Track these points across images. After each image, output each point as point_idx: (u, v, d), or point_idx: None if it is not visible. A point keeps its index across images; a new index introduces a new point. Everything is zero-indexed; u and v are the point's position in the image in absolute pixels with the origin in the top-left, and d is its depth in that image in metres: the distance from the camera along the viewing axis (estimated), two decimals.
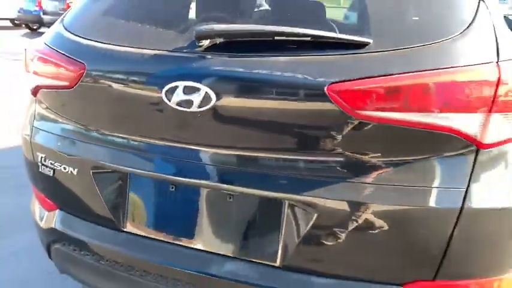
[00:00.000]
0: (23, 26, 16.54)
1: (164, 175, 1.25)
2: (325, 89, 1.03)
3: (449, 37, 1.07)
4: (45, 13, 14.09)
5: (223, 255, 1.23)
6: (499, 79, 1.01)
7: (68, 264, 1.54)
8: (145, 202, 1.32)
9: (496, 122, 1.03)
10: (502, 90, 1.01)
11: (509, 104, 1.03)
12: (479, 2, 1.15)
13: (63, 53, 1.34)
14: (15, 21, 16.86)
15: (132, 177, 1.30)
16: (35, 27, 15.62)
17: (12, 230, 2.46)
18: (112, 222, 1.35)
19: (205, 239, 1.25)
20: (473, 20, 1.10)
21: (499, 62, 1.04)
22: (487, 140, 1.03)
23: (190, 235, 1.27)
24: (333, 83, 1.03)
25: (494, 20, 1.15)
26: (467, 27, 1.09)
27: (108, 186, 1.34)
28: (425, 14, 1.13)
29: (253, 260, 1.20)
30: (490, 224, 1.07)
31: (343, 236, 1.11)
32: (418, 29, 1.10)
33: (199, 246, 1.25)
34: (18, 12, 15.84)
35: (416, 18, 1.12)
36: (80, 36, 1.36)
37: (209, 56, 1.14)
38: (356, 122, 1.04)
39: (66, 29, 1.43)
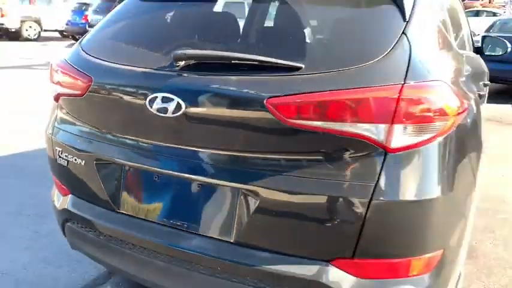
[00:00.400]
0: (70, 37, 17.64)
1: (149, 167, 1.58)
2: (265, 101, 1.33)
3: (367, 63, 1.34)
4: (90, 26, 14.97)
5: (191, 232, 1.53)
6: (398, 98, 1.28)
7: (77, 240, 1.89)
8: (135, 188, 1.65)
9: (399, 132, 1.29)
10: (402, 107, 1.28)
11: (409, 118, 1.29)
12: (400, 36, 1.42)
13: (77, 68, 1.70)
14: (64, 33, 18.02)
15: (125, 168, 1.64)
16: None
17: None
18: (109, 204, 1.69)
19: (177, 219, 1.56)
20: (390, 50, 1.37)
21: (404, 84, 1.30)
22: (393, 145, 1.30)
23: (168, 216, 1.58)
24: (270, 97, 1.33)
25: (416, 50, 1.40)
26: (383, 56, 1.36)
27: (107, 175, 1.68)
28: (348, 45, 1.42)
29: (214, 237, 1.50)
30: (396, 213, 1.32)
31: (279, 218, 1.39)
32: (342, 57, 1.38)
33: (173, 224, 1.56)
34: (66, 24, 16.97)
35: (341, 49, 1.41)
36: (90, 55, 1.72)
37: (182, 74, 1.47)
38: (288, 128, 1.33)
39: (82, 49, 1.80)
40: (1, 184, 3.58)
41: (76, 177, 1.78)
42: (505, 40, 3.42)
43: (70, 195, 1.85)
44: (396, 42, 1.40)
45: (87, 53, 1.75)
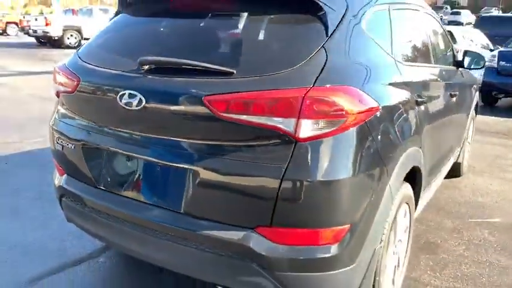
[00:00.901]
0: None
1: (120, 150, 1.96)
2: (203, 98, 1.69)
3: (286, 70, 1.67)
4: None
5: (151, 204, 1.90)
6: (304, 98, 1.60)
7: (70, 213, 2.29)
8: (110, 168, 2.03)
9: (305, 125, 1.61)
10: (307, 105, 1.60)
11: (313, 114, 1.61)
12: (319, 49, 1.74)
13: (71, 70, 2.11)
14: None
15: (103, 151, 2.02)
16: None
17: None
18: (92, 181, 2.08)
19: (140, 193, 1.93)
20: (307, 60, 1.70)
21: (311, 87, 1.63)
22: (301, 135, 1.62)
23: (133, 191, 1.95)
24: (207, 95, 1.68)
25: (332, 60, 1.73)
26: (301, 65, 1.68)
27: (90, 158, 2.07)
28: (273, 56, 1.76)
29: (168, 208, 1.86)
30: (303, 190, 1.63)
31: (215, 193, 1.74)
32: (266, 65, 1.71)
33: (137, 198, 1.93)
34: None
35: (266, 58, 1.75)
36: (83, 60, 2.13)
37: (145, 76, 1.85)
38: (220, 120, 1.68)
39: (78, 55, 2.21)
40: (28, 174, 4.07)
41: (68, 159, 2.19)
42: (482, 55, 3.66)
43: (65, 175, 2.26)
44: (314, 54, 1.73)
45: (81, 59, 2.16)
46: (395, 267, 2.33)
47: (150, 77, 1.84)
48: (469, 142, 4.66)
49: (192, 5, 2.09)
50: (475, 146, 5.69)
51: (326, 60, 1.72)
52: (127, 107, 1.84)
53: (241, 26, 1.87)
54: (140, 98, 1.81)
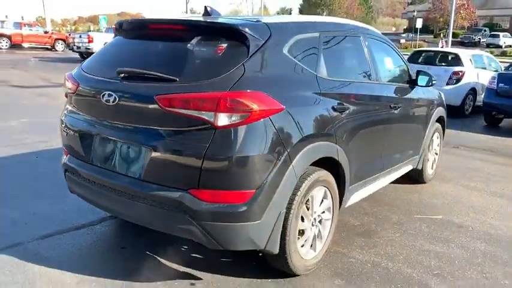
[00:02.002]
0: None
1: (102, 134, 2.73)
2: (154, 97, 2.44)
3: (214, 79, 2.40)
4: None
5: (121, 173, 2.65)
6: (220, 98, 2.32)
7: (71, 184, 3.07)
8: (97, 148, 2.80)
9: (221, 117, 2.33)
10: (222, 103, 2.32)
11: (226, 109, 2.32)
12: (240, 65, 2.46)
13: (74, 77, 2.92)
14: None
15: (92, 136, 2.80)
16: None
17: None
18: (85, 158, 2.86)
19: (115, 165, 2.68)
20: (229, 73, 2.42)
21: (227, 91, 2.35)
22: (219, 124, 2.33)
23: (110, 164, 2.71)
24: (157, 95, 2.43)
25: (247, 73, 2.44)
26: (224, 76, 2.40)
27: (84, 141, 2.86)
28: (206, 69, 2.49)
29: (132, 176, 2.61)
30: (219, 163, 2.34)
31: (162, 164, 2.47)
32: (200, 75, 2.44)
33: (113, 169, 2.69)
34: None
35: (201, 70, 2.49)
36: (83, 70, 2.94)
37: (121, 81, 2.62)
38: (166, 113, 2.42)
39: (81, 67, 3.02)
40: (52, 165, 4.93)
41: (70, 143, 2.98)
42: (430, 73, 4.28)
43: (68, 155, 3.06)
44: (234, 69, 2.45)
45: (82, 70, 2.97)
46: (315, 236, 2.96)
47: (123, 82, 2.62)
48: (436, 153, 5.20)
49: (155, 33, 2.88)
50: (457, 159, 6.20)
51: (243, 73, 2.44)
52: (106, 103, 2.62)
53: (186, 47, 2.62)
54: (115, 97, 2.58)
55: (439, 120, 5.03)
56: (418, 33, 42.03)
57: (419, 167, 4.74)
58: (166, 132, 2.46)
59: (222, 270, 2.93)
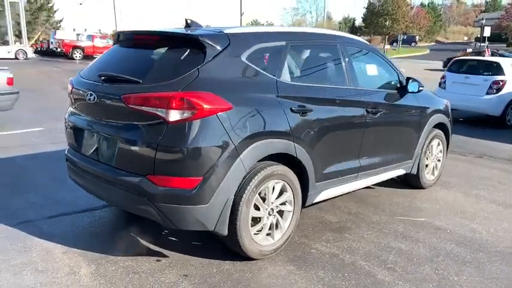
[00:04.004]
0: None
1: (89, 128, 3.23)
2: (121, 96, 2.90)
3: (170, 81, 2.81)
4: None
5: (100, 161, 3.13)
6: (171, 96, 2.73)
7: (70, 171, 3.61)
8: (86, 140, 3.31)
9: (172, 113, 2.73)
10: (173, 101, 2.73)
11: (177, 106, 2.72)
12: (195, 69, 2.86)
13: (72, 82, 3.47)
14: None
15: (83, 130, 3.32)
16: None
17: None
18: (78, 149, 3.38)
19: (97, 154, 3.17)
20: (184, 75, 2.82)
21: (178, 91, 2.75)
22: (170, 119, 2.74)
23: (94, 153, 3.20)
24: (123, 94, 2.89)
25: (201, 76, 2.83)
26: (180, 78, 2.81)
27: (77, 134, 3.38)
28: (165, 72, 2.90)
29: (107, 163, 3.08)
30: (169, 153, 2.75)
31: (126, 153, 2.92)
32: (159, 77, 2.87)
33: (95, 157, 3.18)
34: None
35: (161, 74, 2.91)
36: (79, 75, 3.48)
37: (102, 83, 3.11)
38: (130, 109, 2.86)
39: (79, 73, 3.57)
40: None
41: (69, 136, 3.53)
42: (419, 80, 4.42)
43: (68, 147, 3.60)
44: (189, 73, 2.85)
45: (79, 75, 3.51)
46: (273, 225, 3.27)
47: (103, 84, 3.11)
48: (439, 159, 5.26)
49: (137, 43, 3.37)
50: (471, 167, 6.15)
51: (197, 76, 2.84)
52: (89, 102, 3.12)
53: (151, 55, 3.07)
54: (95, 96, 3.08)
55: (440, 127, 5.09)
56: (488, 41, 40.09)
57: (414, 172, 4.84)
58: (130, 126, 2.91)
59: (189, 251, 3.31)
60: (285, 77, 3.32)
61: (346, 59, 3.89)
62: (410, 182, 5.05)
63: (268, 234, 3.28)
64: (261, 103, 3.09)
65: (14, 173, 5.13)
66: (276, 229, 3.32)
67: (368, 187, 5.00)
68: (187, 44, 3.04)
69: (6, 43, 35.23)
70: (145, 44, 3.29)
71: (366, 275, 3.11)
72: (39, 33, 44.70)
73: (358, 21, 63.97)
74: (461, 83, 10.14)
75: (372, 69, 4.28)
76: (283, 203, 3.34)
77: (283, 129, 3.19)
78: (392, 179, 5.03)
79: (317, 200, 3.71)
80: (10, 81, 7.62)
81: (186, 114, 2.75)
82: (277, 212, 3.30)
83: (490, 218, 4.29)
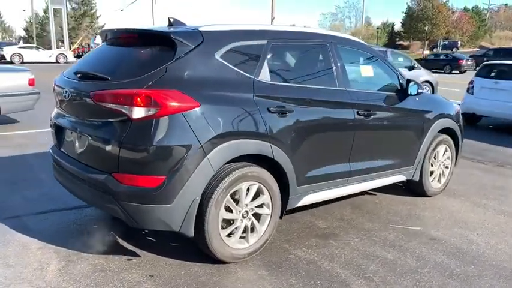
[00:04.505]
0: None
1: (65, 126, 3.26)
2: (90, 93, 2.90)
3: (136, 78, 2.79)
4: None
5: (75, 159, 3.14)
6: (135, 94, 2.70)
7: (54, 171, 3.65)
8: (64, 137, 3.33)
9: (136, 110, 2.70)
10: (137, 98, 2.70)
11: (141, 103, 2.69)
12: (162, 67, 2.82)
13: (55, 80, 3.50)
14: None
15: (62, 127, 3.35)
16: None
17: None
18: (59, 147, 3.41)
19: (73, 152, 3.19)
20: (151, 73, 2.79)
21: (142, 88, 2.72)
22: (134, 117, 2.72)
23: (73, 152, 3.22)
24: (92, 91, 2.89)
25: (168, 74, 2.79)
26: (146, 76, 2.78)
27: (58, 132, 3.41)
28: (132, 70, 2.88)
29: (80, 161, 3.09)
30: (131, 150, 2.72)
31: (94, 150, 2.92)
32: (126, 75, 2.85)
33: (71, 155, 3.20)
34: None
35: (128, 71, 2.89)
36: (63, 74, 3.51)
37: (77, 80, 3.13)
38: (97, 106, 2.86)
39: (63, 72, 3.60)
40: None
41: (52, 135, 3.57)
42: (418, 83, 4.22)
43: (53, 145, 3.65)
44: (157, 70, 2.81)
45: (62, 74, 3.54)
46: (247, 228, 3.17)
47: (78, 81, 3.12)
48: (447, 166, 5.00)
49: (117, 41, 3.37)
50: (486, 176, 5.83)
51: (164, 73, 2.80)
52: (65, 99, 3.15)
53: (127, 52, 3.06)
54: (69, 93, 3.10)
55: (448, 132, 4.84)
56: None
57: (416, 179, 4.62)
58: (99, 123, 2.91)
59: (164, 252, 3.26)
60: (265, 76, 3.23)
61: (337, 60, 3.75)
62: (414, 189, 4.83)
63: (242, 238, 3.19)
64: (234, 102, 3.02)
65: (20, 170, 5.27)
66: (251, 232, 3.23)
67: (369, 193, 4.84)
68: (160, 41, 3.02)
69: (49, 48, 36.82)
70: (124, 42, 3.29)
71: (340, 284, 2.96)
72: (81, 38, 46.33)
73: (398, 26, 62.63)
74: (491, 89, 9.67)
75: (367, 71, 4.12)
76: (260, 206, 3.25)
77: (258, 130, 3.10)
78: (396, 186, 4.85)
79: (301, 204, 3.58)
80: (31, 82, 7.88)
81: (149, 112, 2.72)
82: (252, 214, 3.21)
83: (493, 230, 4.03)
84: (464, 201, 4.80)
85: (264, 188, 3.20)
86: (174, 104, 2.74)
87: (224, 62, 3.05)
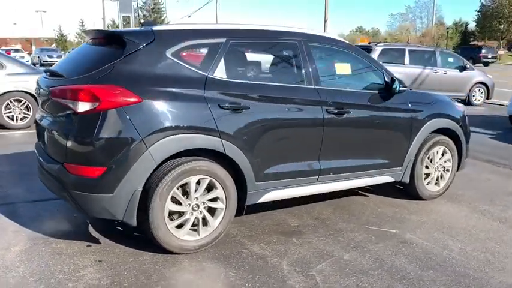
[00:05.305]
0: None
1: (39, 122, 3.54)
2: (49, 89, 3.15)
3: (85, 75, 3.00)
4: None
5: (43, 150, 3.42)
6: (77, 89, 2.90)
7: (38, 170, 3.96)
8: (40, 133, 3.62)
9: (80, 105, 2.91)
10: (81, 93, 2.90)
11: (83, 98, 2.89)
12: (110, 64, 3.01)
13: (38, 80, 3.80)
14: None
15: (38, 123, 3.64)
16: None
17: None
18: (39, 142, 3.72)
19: (44, 146, 3.46)
20: (99, 69, 2.98)
21: (86, 84, 2.92)
22: (78, 110, 2.92)
23: (43, 145, 3.50)
24: (50, 87, 3.14)
25: (114, 71, 2.97)
26: (94, 72, 2.98)
27: (40, 130, 3.71)
28: (84, 68, 3.09)
29: (45, 152, 3.35)
30: (76, 142, 2.93)
31: (54, 143, 3.16)
32: (77, 72, 3.07)
33: (44, 149, 3.48)
34: None
35: (81, 69, 3.10)
36: (44, 74, 3.82)
37: (48, 78, 3.40)
38: (54, 101, 3.10)
39: (44, 71, 3.91)
40: None
41: (36, 133, 3.89)
42: (400, 80, 4.08)
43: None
44: (105, 67, 3.00)
45: (44, 73, 3.84)
46: (198, 220, 3.26)
47: (47, 79, 3.40)
48: (448, 169, 4.75)
49: (88, 41, 3.60)
50: (502, 181, 5.46)
51: (111, 70, 2.99)
52: (39, 96, 3.44)
53: (88, 51, 3.29)
54: (40, 90, 3.38)
55: (448, 133, 4.61)
56: None
57: (406, 181, 4.45)
58: (56, 117, 3.16)
59: (124, 241, 3.44)
60: (220, 73, 3.31)
61: (307, 58, 3.73)
62: (408, 192, 4.65)
63: (194, 230, 3.29)
64: (181, 98, 3.12)
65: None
66: (204, 226, 3.31)
67: (360, 194, 4.74)
68: (115, 41, 3.21)
69: None
70: (92, 42, 3.52)
71: (277, 280, 2.97)
72: None
73: (471, 25, 59.25)
74: None
75: (344, 69, 4.05)
76: (214, 200, 3.32)
77: (206, 125, 3.17)
78: (393, 188, 4.71)
79: (263, 200, 3.61)
80: None
81: (91, 106, 2.90)
82: (205, 208, 3.29)
83: (478, 236, 3.79)
84: (462, 206, 4.55)
85: (216, 182, 3.28)
86: (114, 99, 2.91)
87: (175, 59, 3.18)
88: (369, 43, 14.07)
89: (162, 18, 59.22)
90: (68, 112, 3.01)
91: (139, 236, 3.52)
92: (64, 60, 3.72)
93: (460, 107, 4.88)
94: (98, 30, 3.46)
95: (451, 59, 13.60)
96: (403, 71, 12.73)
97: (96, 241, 3.45)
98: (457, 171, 4.88)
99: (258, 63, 3.70)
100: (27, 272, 2.96)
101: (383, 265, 3.22)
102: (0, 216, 3.89)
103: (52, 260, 3.13)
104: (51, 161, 3.20)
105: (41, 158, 3.42)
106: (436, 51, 13.47)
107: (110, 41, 3.24)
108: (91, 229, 3.68)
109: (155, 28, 3.27)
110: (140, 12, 54.67)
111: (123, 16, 39.67)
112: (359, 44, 15.43)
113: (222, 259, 3.23)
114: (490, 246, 3.60)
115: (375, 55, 12.59)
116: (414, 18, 75.72)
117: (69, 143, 2.96)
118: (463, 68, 13.35)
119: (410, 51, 13.02)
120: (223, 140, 3.22)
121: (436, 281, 3.02)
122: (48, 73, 3.47)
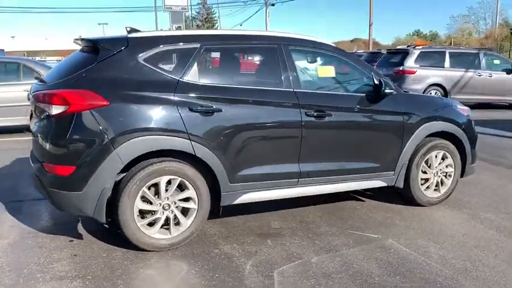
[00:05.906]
0: None
1: (33, 128, 3.82)
2: (32, 93, 3.40)
3: (59, 81, 3.23)
4: None
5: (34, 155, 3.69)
6: (50, 94, 3.12)
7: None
8: (33, 137, 3.90)
9: (53, 108, 3.13)
10: (54, 97, 3.12)
11: (55, 103, 3.11)
12: (84, 70, 3.21)
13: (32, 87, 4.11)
14: None
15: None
16: None
17: None
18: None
19: (33, 151, 3.74)
20: (74, 75, 3.20)
21: (59, 89, 3.14)
22: (52, 113, 3.14)
23: (33, 150, 3.76)
24: (34, 92, 3.39)
25: (88, 76, 3.18)
26: (67, 78, 3.21)
27: (32, 133, 4.01)
28: (62, 73, 3.31)
29: (33, 154, 3.62)
30: (50, 143, 3.15)
31: (40, 146, 3.41)
32: (56, 78, 3.29)
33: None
34: None
35: (59, 75, 3.32)
36: (37, 81, 4.12)
37: (38, 84, 3.67)
38: (37, 105, 3.35)
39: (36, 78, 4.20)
40: None
41: None
42: (388, 82, 4.01)
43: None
44: (78, 73, 3.21)
45: (36, 80, 4.14)
46: (169, 220, 3.38)
47: (36, 84, 3.67)
48: (449, 175, 4.57)
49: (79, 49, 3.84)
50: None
51: (82, 76, 3.19)
52: (31, 97, 3.72)
53: (73, 58, 3.53)
54: (30, 95, 3.65)
55: (449, 137, 4.45)
56: None
57: (400, 186, 4.33)
58: (41, 120, 3.40)
59: (105, 238, 3.61)
60: (193, 78, 3.43)
61: (286, 61, 3.76)
62: (404, 197, 4.52)
63: (166, 229, 3.41)
64: (150, 101, 3.26)
65: None
66: (176, 225, 3.42)
67: (357, 199, 4.67)
68: (92, 48, 3.42)
69: None
70: (81, 49, 3.75)
71: (234, 279, 3.01)
72: None
73: None
74: None
75: (327, 72, 4.02)
76: (186, 200, 3.43)
77: (174, 127, 3.29)
78: (394, 193, 4.58)
79: (239, 201, 3.66)
80: None
81: (63, 109, 3.11)
82: (177, 208, 3.40)
83: (465, 244, 3.63)
84: (462, 213, 4.35)
85: (187, 182, 3.38)
86: (83, 102, 3.10)
87: (147, 64, 3.33)
88: (408, 46, 13.65)
89: (215, 27, 60.54)
90: (47, 115, 3.23)
91: (117, 233, 3.69)
92: (54, 68, 3.99)
93: (464, 110, 4.68)
94: (83, 38, 3.69)
95: (497, 61, 12.95)
96: (443, 74, 12.30)
97: (80, 237, 3.65)
98: (462, 177, 4.68)
99: (233, 68, 3.78)
100: (5, 263, 3.20)
101: (349, 269, 3.17)
102: (5, 212, 4.21)
103: (32, 252, 3.37)
104: (35, 161, 3.45)
105: (30, 160, 3.68)
106: (479, 52, 12.84)
107: (89, 48, 3.45)
108: (80, 226, 3.89)
109: (130, 35, 3.44)
110: (194, 23, 56.23)
111: (175, 27, 41.18)
112: (398, 47, 15.02)
113: (190, 257, 3.32)
114: (474, 254, 3.44)
115: (412, 59, 12.26)
116: (477, 19, 72.07)
117: (46, 144, 3.19)
118: (510, 71, 12.64)
119: (451, 54, 12.52)
120: (192, 142, 3.33)
121: (398, 287, 2.94)
122: (38, 80, 3.75)
